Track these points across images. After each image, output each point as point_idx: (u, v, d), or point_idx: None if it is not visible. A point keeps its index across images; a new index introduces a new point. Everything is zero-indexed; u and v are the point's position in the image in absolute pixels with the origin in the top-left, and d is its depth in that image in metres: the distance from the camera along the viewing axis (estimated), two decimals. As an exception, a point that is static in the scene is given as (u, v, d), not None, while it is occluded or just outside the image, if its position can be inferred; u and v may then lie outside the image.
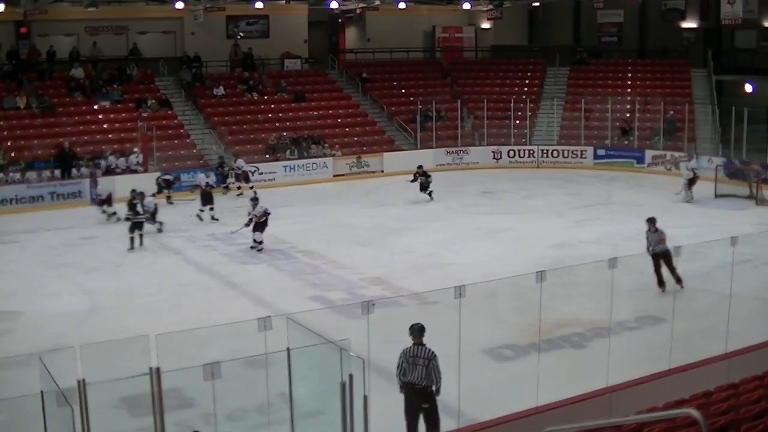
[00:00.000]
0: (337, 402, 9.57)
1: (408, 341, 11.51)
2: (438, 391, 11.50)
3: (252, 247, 23.62)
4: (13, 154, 33.93)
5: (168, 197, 31.11)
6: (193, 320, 16.23)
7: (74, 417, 8.56)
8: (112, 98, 38.07)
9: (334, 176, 36.43)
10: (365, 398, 9.69)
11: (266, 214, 23.81)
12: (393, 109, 41.97)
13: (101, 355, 11.41)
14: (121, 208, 25.93)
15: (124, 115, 37.49)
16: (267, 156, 36.72)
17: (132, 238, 24.09)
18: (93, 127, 36.60)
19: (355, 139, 39.34)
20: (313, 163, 36.52)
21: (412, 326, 11.55)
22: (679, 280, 18.28)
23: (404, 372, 11.51)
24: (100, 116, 37.44)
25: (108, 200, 28.25)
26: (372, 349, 10.85)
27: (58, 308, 18.47)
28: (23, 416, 9.28)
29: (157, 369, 9.08)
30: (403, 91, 43.89)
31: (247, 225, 24.00)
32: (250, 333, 10.27)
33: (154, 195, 28.10)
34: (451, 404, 11.77)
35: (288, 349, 9.99)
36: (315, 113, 40.51)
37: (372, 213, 29.02)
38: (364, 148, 38.26)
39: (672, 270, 18.35)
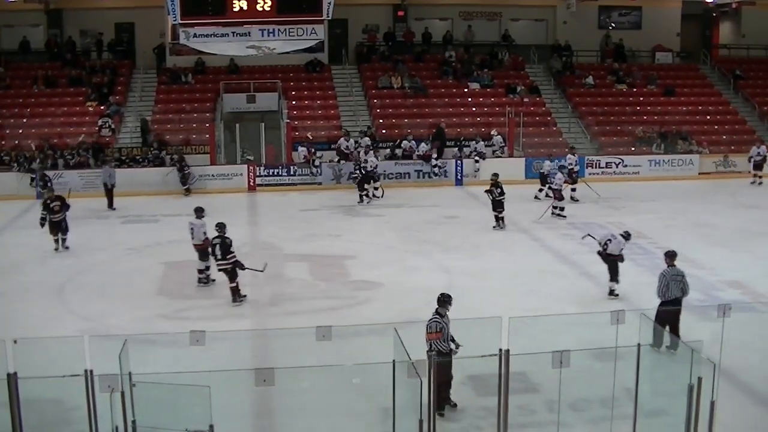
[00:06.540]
0: (683, 404, 9.24)
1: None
2: None
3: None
4: (384, 131, 35.56)
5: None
6: (545, 307, 16.20)
7: (422, 389, 8.77)
8: (482, 82, 39.03)
9: (699, 174, 35.09)
10: (712, 404, 9.27)
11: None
12: (765, 108, 39.72)
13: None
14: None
15: (493, 99, 38.37)
16: (632, 149, 36.09)
17: None
18: (462, 109, 37.84)
19: (724, 137, 37.61)
20: (679, 159, 35.35)
21: None
22: None
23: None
24: (470, 99, 38.52)
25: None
26: (724, 353, 10.41)
27: (416, 283, 18.96)
28: (375, 382, 9.65)
29: (507, 351, 9.14)
30: (778, 90, 41.23)
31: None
32: (602, 325, 10.15)
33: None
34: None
35: (638, 345, 9.78)
36: (684, 108, 39.27)
37: (736, 214, 27.47)
38: (732, 147, 36.42)
39: None
